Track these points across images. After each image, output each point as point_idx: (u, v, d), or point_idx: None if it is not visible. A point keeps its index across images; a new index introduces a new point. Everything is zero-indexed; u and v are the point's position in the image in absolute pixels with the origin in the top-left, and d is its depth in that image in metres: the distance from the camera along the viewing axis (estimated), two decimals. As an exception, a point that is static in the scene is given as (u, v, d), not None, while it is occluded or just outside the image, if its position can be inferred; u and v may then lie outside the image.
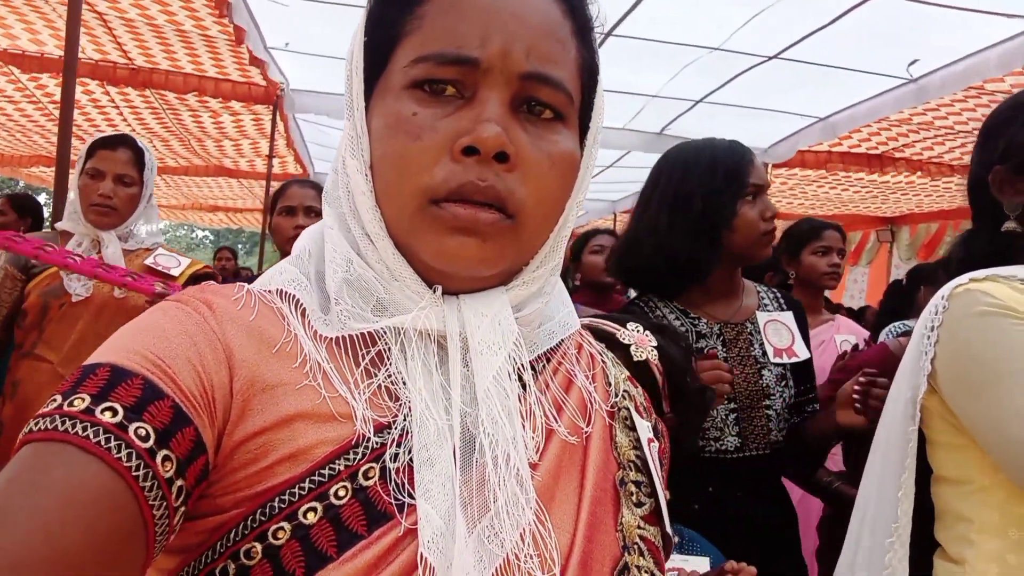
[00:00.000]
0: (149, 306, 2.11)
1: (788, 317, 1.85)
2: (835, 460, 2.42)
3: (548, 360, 0.74)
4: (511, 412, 0.64)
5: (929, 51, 4.22)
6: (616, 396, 0.77)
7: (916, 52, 4.28)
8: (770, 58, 4.57)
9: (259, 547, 0.56)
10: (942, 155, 6.01)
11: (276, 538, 0.56)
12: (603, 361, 0.80)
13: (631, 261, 1.84)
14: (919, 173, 6.29)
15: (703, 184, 1.76)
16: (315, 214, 2.60)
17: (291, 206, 2.68)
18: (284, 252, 2.64)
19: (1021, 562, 1.12)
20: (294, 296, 0.68)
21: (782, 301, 1.91)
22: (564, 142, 0.67)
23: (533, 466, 0.65)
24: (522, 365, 0.67)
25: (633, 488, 0.71)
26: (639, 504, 0.71)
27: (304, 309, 0.67)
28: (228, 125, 6.48)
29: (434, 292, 0.66)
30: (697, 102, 5.44)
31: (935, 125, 5.21)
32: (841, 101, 5.16)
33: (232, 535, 0.57)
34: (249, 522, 0.57)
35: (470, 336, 0.65)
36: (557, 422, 0.69)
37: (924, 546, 1.26)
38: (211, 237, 34.24)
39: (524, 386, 0.68)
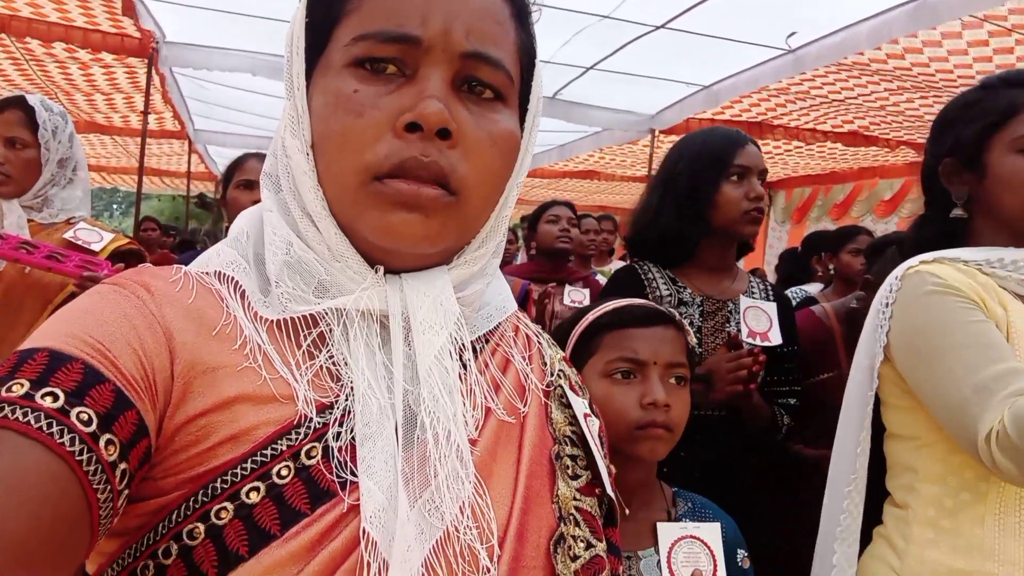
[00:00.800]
0: (78, 289, 2.02)
1: (771, 307, 1.96)
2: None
3: (486, 342, 0.75)
4: (452, 390, 0.65)
5: (806, 24, 4.41)
6: (552, 375, 0.79)
7: (794, 25, 4.47)
8: (658, 27, 4.67)
9: (202, 527, 0.57)
10: (816, 123, 6.32)
11: (219, 518, 0.57)
12: (539, 343, 0.82)
13: (631, 234, 2.04)
14: (795, 141, 6.60)
15: (691, 165, 1.94)
16: None
17: (249, 180, 2.58)
18: None
19: (955, 504, 1.28)
20: (233, 278, 0.67)
21: (770, 293, 2.03)
22: (505, 122, 0.68)
23: (472, 442, 0.66)
24: (463, 345, 0.68)
25: (569, 462, 0.74)
26: (575, 477, 0.73)
27: (243, 291, 0.67)
28: (99, 78, 6.08)
29: (376, 272, 0.66)
30: (588, 69, 5.51)
31: (810, 94, 5.46)
32: (724, 70, 5.34)
33: (174, 516, 0.58)
34: (191, 503, 0.58)
35: (412, 316, 0.66)
36: (495, 401, 0.71)
37: (877, 496, 1.41)
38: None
39: (464, 366, 0.69)
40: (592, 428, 0.78)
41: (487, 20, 0.66)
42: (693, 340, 1.45)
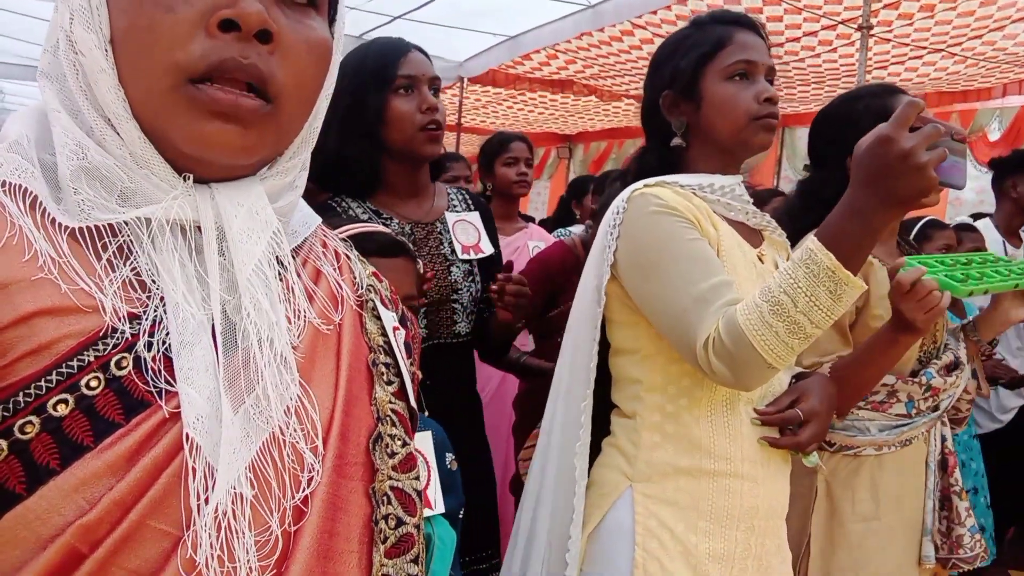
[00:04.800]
0: None
1: (475, 217, 1.95)
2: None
3: (295, 256, 0.74)
4: (273, 299, 0.65)
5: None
6: (362, 288, 0.80)
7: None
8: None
9: (4, 444, 0.54)
10: (612, 81, 6.70)
11: (24, 432, 0.55)
12: (347, 256, 0.82)
13: (313, 170, 1.88)
14: (593, 97, 6.96)
15: (353, 81, 1.73)
16: None
17: None
18: None
19: (675, 409, 1.40)
20: (21, 186, 0.61)
21: (470, 202, 2.01)
22: (320, 29, 0.66)
23: (292, 348, 0.67)
24: (280, 257, 0.68)
25: (383, 369, 0.76)
26: (389, 383, 0.76)
27: (35, 199, 0.62)
28: None
29: (186, 181, 0.63)
30: (396, 18, 5.48)
31: (603, 52, 5.78)
32: (528, 23, 5.51)
33: None
34: None
35: (227, 226, 0.64)
36: (310, 310, 0.71)
37: (604, 408, 1.50)
38: None
39: (280, 277, 0.69)
40: (399, 339, 0.81)
41: None
42: (422, 268, 1.50)
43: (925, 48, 5.13)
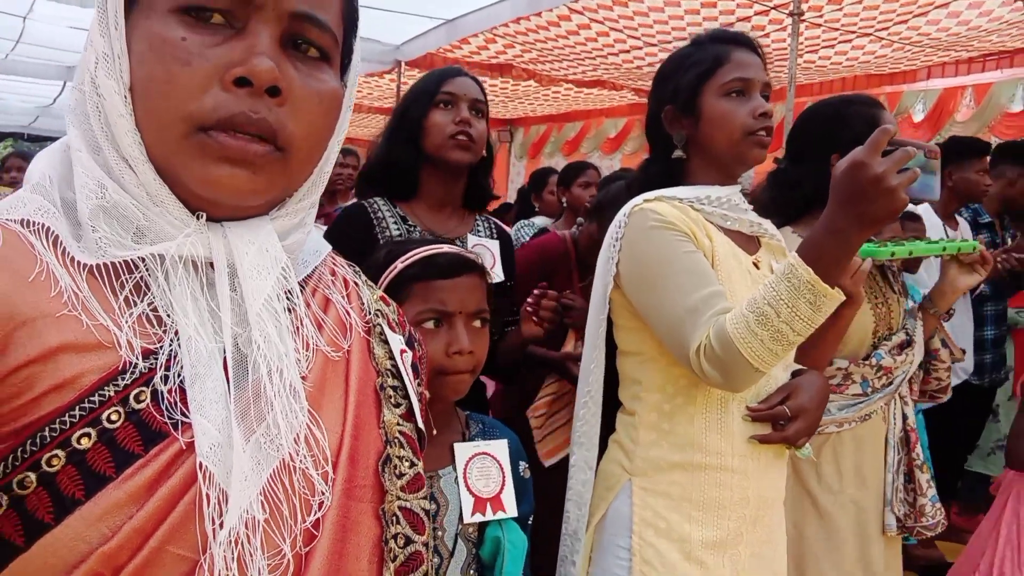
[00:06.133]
0: None
1: (495, 245, 2.07)
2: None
3: (304, 286, 0.78)
4: (283, 332, 0.68)
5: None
6: (370, 314, 0.83)
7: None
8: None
9: (33, 476, 0.57)
10: (551, 66, 6.71)
11: (51, 465, 0.58)
12: (356, 283, 0.85)
13: (363, 168, 2.10)
14: (532, 81, 6.97)
15: (407, 98, 2.03)
16: None
17: None
18: None
19: (672, 408, 1.50)
20: (43, 224, 0.64)
21: (495, 231, 2.13)
22: (330, 81, 0.70)
23: (302, 378, 0.70)
24: (290, 290, 0.71)
25: (391, 392, 0.79)
26: (396, 405, 0.79)
27: (56, 237, 0.64)
28: None
29: (199, 219, 0.66)
30: None
31: (541, 37, 5.78)
32: (465, 6, 5.47)
33: (2, 468, 0.58)
34: (20, 453, 0.58)
35: (238, 262, 0.67)
36: (319, 339, 0.74)
37: (613, 407, 1.61)
38: None
39: (291, 309, 0.72)
40: (406, 361, 0.84)
41: None
42: (494, 279, 1.56)
43: (854, 33, 5.27)
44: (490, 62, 6.63)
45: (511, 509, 1.34)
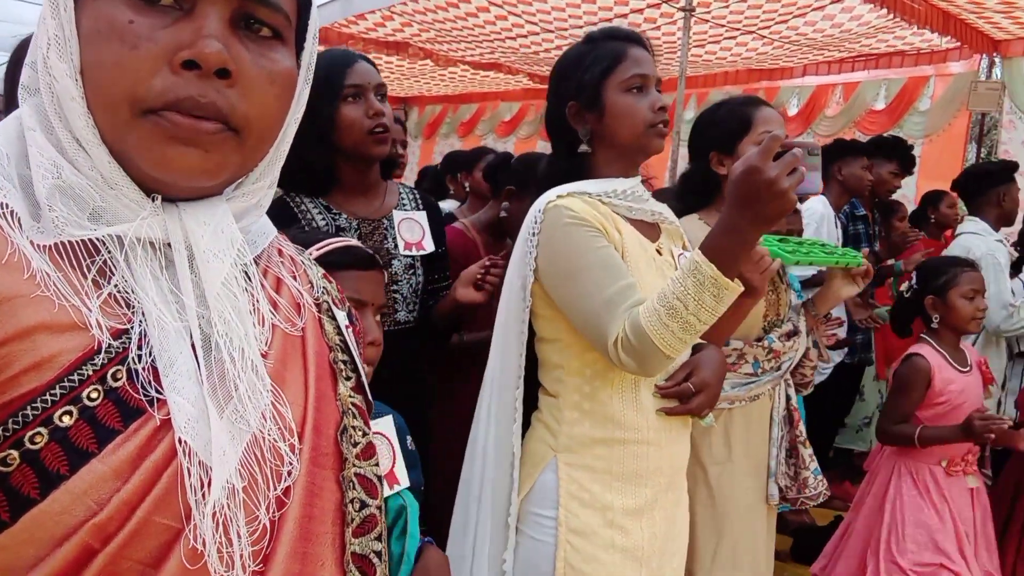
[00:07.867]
0: None
1: (422, 216, 2.08)
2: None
3: (255, 265, 0.78)
4: (241, 312, 0.70)
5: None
6: (318, 292, 0.86)
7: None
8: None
9: (16, 453, 0.58)
10: (448, 47, 6.70)
11: (33, 443, 0.59)
12: (303, 263, 0.88)
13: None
14: (428, 61, 6.94)
15: (313, 91, 1.83)
16: None
17: None
18: None
19: (591, 389, 1.61)
20: (5, 204, 0.64)
21: (420, 201, 2.14)
22: (283, 60, 0.70)
23: (264, 355, 0.72)
24: (247, 273, 0.73)
25: (342, 366, 0.83)
26: (348, 378, 0.83)
27: (18, 217, 0.64)
28: None
29: (154, 201, 0.67)
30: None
31: (439, 17, 5.77)
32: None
33: None
34: (1, 432, 0.58)
35: (195, 244, 0.68)
36: (276, 316, 0.77)
37: (530, 387, 1.70)
38: None
39: (247, 291, 0.73)
40: (351, 337, 0.87)
41: None
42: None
43: (739, 30, 5.55)
44: (387, 40, 6.55)
45: (404, 481, 1.41)
